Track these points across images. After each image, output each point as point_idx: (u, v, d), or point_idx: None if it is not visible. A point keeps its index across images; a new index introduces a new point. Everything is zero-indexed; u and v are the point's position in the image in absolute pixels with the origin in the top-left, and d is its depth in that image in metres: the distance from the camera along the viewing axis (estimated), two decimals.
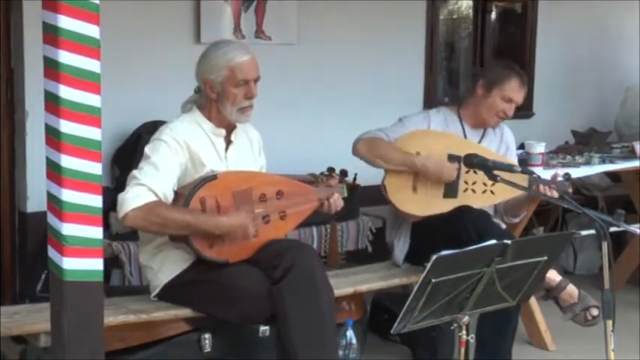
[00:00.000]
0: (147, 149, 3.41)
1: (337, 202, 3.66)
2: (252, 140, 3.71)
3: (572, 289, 3.95)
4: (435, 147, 4.07)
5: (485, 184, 4.02)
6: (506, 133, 4.33)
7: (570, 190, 4.03)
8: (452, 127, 4.21)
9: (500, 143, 4.28)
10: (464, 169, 4.02)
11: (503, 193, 4.04)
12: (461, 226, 3.87)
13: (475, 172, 3.92)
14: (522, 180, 3.91)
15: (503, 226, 4.26)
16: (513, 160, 4.26)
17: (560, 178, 4.03)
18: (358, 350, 4.04)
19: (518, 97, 4.14)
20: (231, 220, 3.34)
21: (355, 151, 4.09)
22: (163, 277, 3.49)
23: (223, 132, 3.56)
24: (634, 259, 5.58)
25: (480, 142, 4.22)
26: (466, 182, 4.06)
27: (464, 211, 3.98)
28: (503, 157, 4.14)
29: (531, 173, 3.86)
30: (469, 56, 6.65)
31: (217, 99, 3.49)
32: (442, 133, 4.17)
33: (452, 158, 4.05)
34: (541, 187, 3.88)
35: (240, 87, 3.46)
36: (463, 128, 4.22)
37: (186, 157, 3.43)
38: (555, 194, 3.86)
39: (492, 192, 4.03)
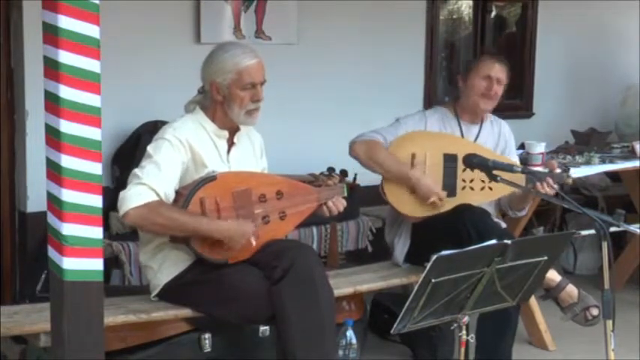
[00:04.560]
0: (149, 148, 3.41)
1: (338, 203, 3.67)
2: (255, 143, 3.70)
3: (571, 289, 3.97)
4: (430, 148, 4.10)
5: (483, 181, 4.04)
6: (503, 128, 4.34)
7: (570, 181, 4.07)
8: (449, 125, 4.23)
9: (499, 139, 4.30)
10: (460, 166, 4.04)
11: (502, 189, 4.03)
12: (461, 226, 3.88)
13: (472, 169, 3.93)
14: (521, 178, 3.91)
15: (503, 225, 4.26)
16: (513, 156, 4.28)
17: (558, 170, 4.10)
18: (358, 350, 4.04)
19: (494, 71, 4.16)
20: (231, 227, 3.34)
21: (352, 152, 4.11)
22: (163, 277, 3.49)
23: (226, 134, 3.55)
24: (634, 259, 5.58)
25: (476, 138, 4.24)
26: (464, 180, 4.08)
27: (463, 210, 3.98)
28: (500, 155, 4.15)
29: (530, 173, 3.86)
30: (469, 56, 6.64)
31: (224, 101, 3.48)
32: (437, 134, 4.19)
33: (448, 158, 4.08)
34: (538, 185, 3.85)
35: (247, 90, 3.46)
36: (460, 126, 4.24)
37: (188, 157, 3.42)
38: (553, 190, 3.85)
39: (490, 188, 4.04)
